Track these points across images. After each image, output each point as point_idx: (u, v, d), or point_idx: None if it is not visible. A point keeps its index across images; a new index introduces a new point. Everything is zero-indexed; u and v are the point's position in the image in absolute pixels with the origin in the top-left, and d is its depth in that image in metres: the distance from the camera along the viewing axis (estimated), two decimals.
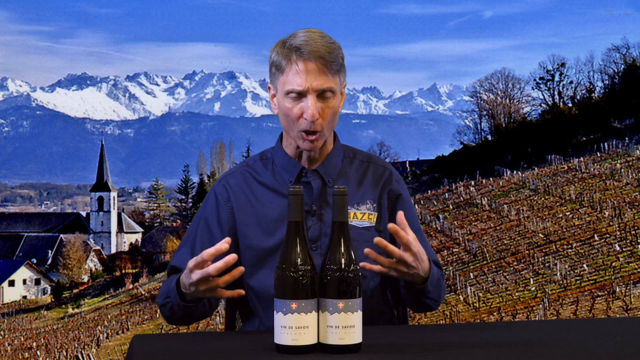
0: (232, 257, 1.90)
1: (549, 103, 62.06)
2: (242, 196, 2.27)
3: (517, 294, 23.49)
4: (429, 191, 51.32)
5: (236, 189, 2.28)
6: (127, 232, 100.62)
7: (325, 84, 2.11)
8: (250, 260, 2.25)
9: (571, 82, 61.79)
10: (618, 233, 26.68)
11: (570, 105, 58.66)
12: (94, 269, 77.88)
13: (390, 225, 1.95)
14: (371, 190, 2.28)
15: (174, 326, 33.42)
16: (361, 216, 2.24)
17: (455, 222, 38.04)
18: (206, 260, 1.93)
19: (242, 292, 2.00)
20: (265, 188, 2.26)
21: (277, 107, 2.22)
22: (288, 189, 1.80)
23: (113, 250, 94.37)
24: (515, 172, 47.62)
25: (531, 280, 24.50)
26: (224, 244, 1.90)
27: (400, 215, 1.98)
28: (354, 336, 1.73)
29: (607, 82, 58.80)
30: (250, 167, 2.31)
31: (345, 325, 1.72)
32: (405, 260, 2.00)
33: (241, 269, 1.97)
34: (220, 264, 1.92)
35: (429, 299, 2.19)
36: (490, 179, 48.18)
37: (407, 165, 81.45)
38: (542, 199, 37.11)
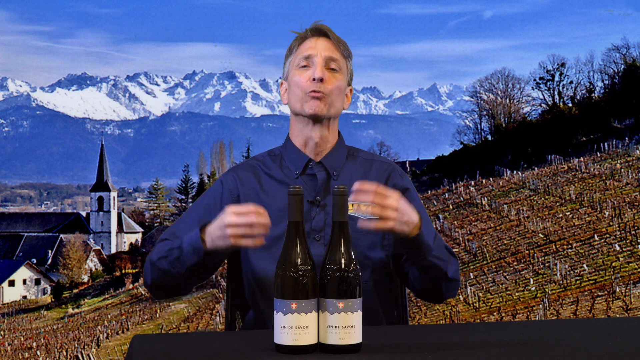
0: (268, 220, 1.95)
1: (549, 103, 62.07)
2: (250, 187, 2.31)
3: (517, 294, 23.49)
4: (429, 191, 51.31)
5: (245, 180, 2.32)
6: (127, 232, 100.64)
7: (333, 54, 2.27)
8: (254, 248, 2.26)
9: (571, 82, 61.82)
10: (618, 233, 26.69)
11: (570, 105, 58.65)
12: (94, 269, 77.89)
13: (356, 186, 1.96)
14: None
15: (175, 327, 33.33)
16: (365, 208, 2.26)
17: (455, 222, 38.04)
18: (248, 213, 1.95)
19: (263, 241, 1.97)
20: (273, 180, 2.31)
21: (287, 97, 2.31)
22: (288, 189, 1.80)
23: (113, 250, 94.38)
24: (515, 172, 47.62)
25: (531, 280, 24.51)
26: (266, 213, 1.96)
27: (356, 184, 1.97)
28: (354, 336, 1.73)
29: (607, 82, 58.83)
30: (259, 161, 2.37)
31: (345, 325, 1.72)
32: (384, 204, 1.96)
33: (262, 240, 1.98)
34: (261, 220, 1.93)
35: (435, 257, 2.12)
36: (490, 179, 48.18)
37: (407, 165, 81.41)
38: (542, 199, 37.11)
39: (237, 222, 1.95)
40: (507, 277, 26.07)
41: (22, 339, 41.42)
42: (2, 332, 48.12)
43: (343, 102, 2.30)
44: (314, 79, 2.22)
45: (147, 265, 2.23)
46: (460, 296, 24.69)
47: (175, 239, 2.23)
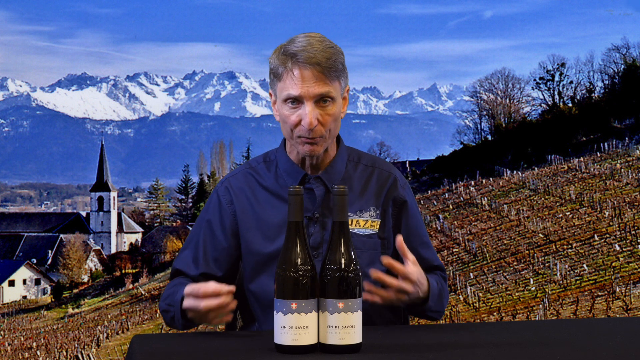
0: (228, 302, 1.94)
1: (549, 103, 62.08)
2: (244, 199, 2.25)
3: (517, 294, 23.49)
4: (429, 191, 51.32)
5: (238, 191, 2.26)
6: (127, 232, 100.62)
7: (323, 90, 2.08)
8: (251, 265, 2.24)
9: (571, 82, 61.83)
10: (618, 233, 26.69)
11: (570, 105, 58.66)
12: (94, 269, 77.88)
13: (389, 259, 2.02)
14: (375, 197, 2.25)
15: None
16: (364, 223, 2.22)
17: (455, 222, 38.03)
18: (200, 295, 1.96)
19: (229, 319, 2.00)
20: (267, 192, 2.24)
21: (278, 114, 2.20)
22: (288, 189, 1.80)
23: (113, 250, 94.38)
24: (515, 172, 47.62)
25: (531, 280, 24.51)
26: (226, 291, 1.94)
27: (399, 240, 2.01)
28: (354, 336, 1.73)
29: (607, 82, 58.84)
30: (253, 169, 2.29)
31: (345, 325, 1.72)
32: (405, 289, 2.04)
33: (229, 317, 1.99)
34: (213, 303, 1.94)
35: (432, 311, 2.21)
36: (490, 179, 48.18)
37: (407, 165, 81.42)
38: (542, 199, 37.11)
39: (190, 306, 2.00)
40: (507, 277, 26.06)
41: (22, 339, 41.42)
42: (2, 332, 48.11)
43: (339, 122, 2.20)
44: (304, 126, 2.10)
45: (160, 311, 2.27)
46: (460, 296, 24.70)
47: (186, 267, 2.27)
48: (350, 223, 2.19)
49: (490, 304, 23.03)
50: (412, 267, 2.03)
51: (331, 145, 2.23)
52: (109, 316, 46.36)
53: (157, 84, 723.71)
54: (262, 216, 2.22)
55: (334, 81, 2.10)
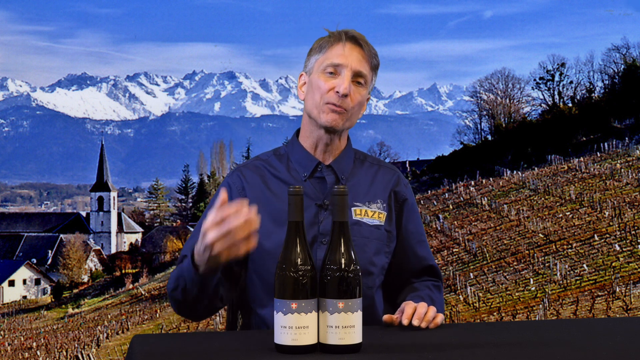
0: (253, 215, 1.83)
1: (549, 103, 62.07)
2: (257, 188, 2.27)
3: (517, 294, 23.49)
4: (429, 191, 51.32)
5: (250, 180, 2.28)
6: (127, 232, 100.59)
7: (363, 69, 2.21)
8: (259, 253, 2.23)
9: (571, 82, 61.81)
10: (618, 233, 26.68)
11: (570, 105, 58.64)
12: (94, 269, 77.87)
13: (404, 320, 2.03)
14: (381, 191, 2.31)
15: (175, 327, 33.33)
16: (372, 214, 2.27)
17: (455, 222, 38.03)
18: (225, 218, 1.83)
19: (255, 244, 1.88)
20: (280, 182, 2.27)
21: (304, 93, 2.27)
22: (288, 189, 1.80)
23: (113, 250, 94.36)
24: (515, 172, 47.62)
25: (531, 280, 24.50)
26: (246, 207, 1.83)
27: (387, 318, 2.04)
28: (354, 336, 1.73)
29: (607, 82, 58.83)
30: (264, 161, 2.33)
31: (345, 325, 1.72)
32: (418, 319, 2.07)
33: (254, 242, 1.87)
34: (241, 220, 1.82)
35: None
36: (490, 179, 48.19)
37: (407, 165, 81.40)
38: (542, 199, 37.10)
39: (216, 236, 1.84)
40: (507, 277, 26.06)
41: (22, 339, 41.42)
42: (2, 332, 48.11)
43: (361, 113, 2.29)
44: (337, 92, 2.18)
45: (168, 294, 2.19)
46: (460, 296, 24.70)
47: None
48: (359, 213, 2.26)
49: (490, 304, 23.03)
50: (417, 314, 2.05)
51: (343, 138, 2.30)
52: (109, 316, 46.35)
53: (157, 84, 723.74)
54: (275, 204, 2.23)
55: (370, 71, 2.24)
